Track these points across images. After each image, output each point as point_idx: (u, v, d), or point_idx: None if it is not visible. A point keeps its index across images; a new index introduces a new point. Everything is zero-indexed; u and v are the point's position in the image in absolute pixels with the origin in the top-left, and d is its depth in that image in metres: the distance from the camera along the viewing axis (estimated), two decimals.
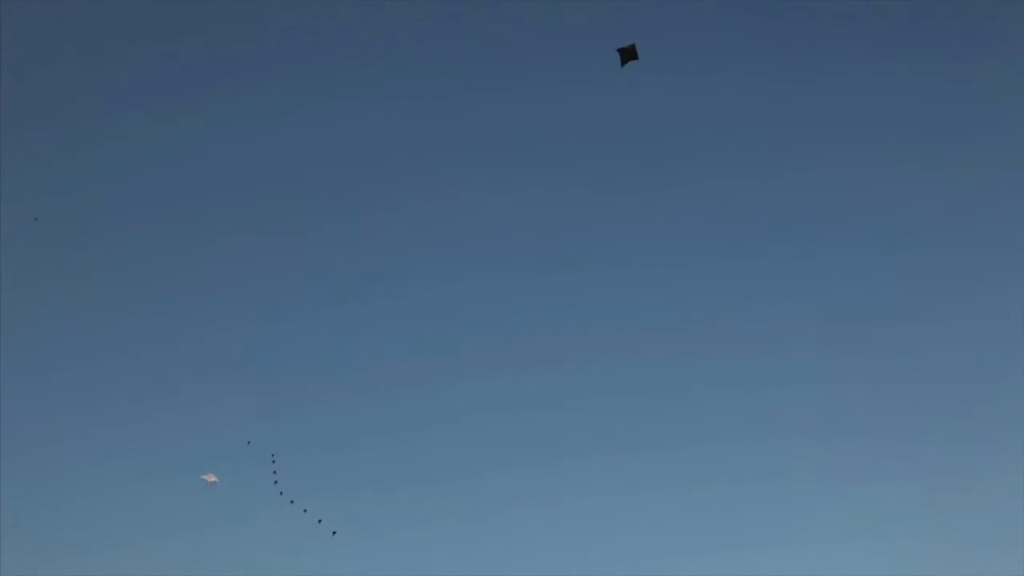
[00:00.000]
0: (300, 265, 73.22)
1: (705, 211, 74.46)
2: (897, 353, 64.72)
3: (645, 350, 68.24)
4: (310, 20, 76.41)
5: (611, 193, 75.22)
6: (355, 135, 77.23)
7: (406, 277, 73.44)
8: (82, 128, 74.08)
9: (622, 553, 55.97)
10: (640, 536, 57.72)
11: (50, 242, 69.04)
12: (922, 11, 73.58)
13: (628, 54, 30.96)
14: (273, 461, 49.94)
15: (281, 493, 48.52)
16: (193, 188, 75.16)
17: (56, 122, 73.31)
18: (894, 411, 62.06)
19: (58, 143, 73.05)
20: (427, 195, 75.42)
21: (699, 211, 74.61)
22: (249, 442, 51.37)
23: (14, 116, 70.10)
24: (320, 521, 47.28)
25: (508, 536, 58.31)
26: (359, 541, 54.77)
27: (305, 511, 47.70)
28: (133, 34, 74.32)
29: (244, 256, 73.47)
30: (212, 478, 49.09)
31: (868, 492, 57.26)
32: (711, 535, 57.27)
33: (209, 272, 72.38)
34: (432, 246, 74.50)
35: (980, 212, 68.48)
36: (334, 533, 47.50)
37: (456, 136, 77.57)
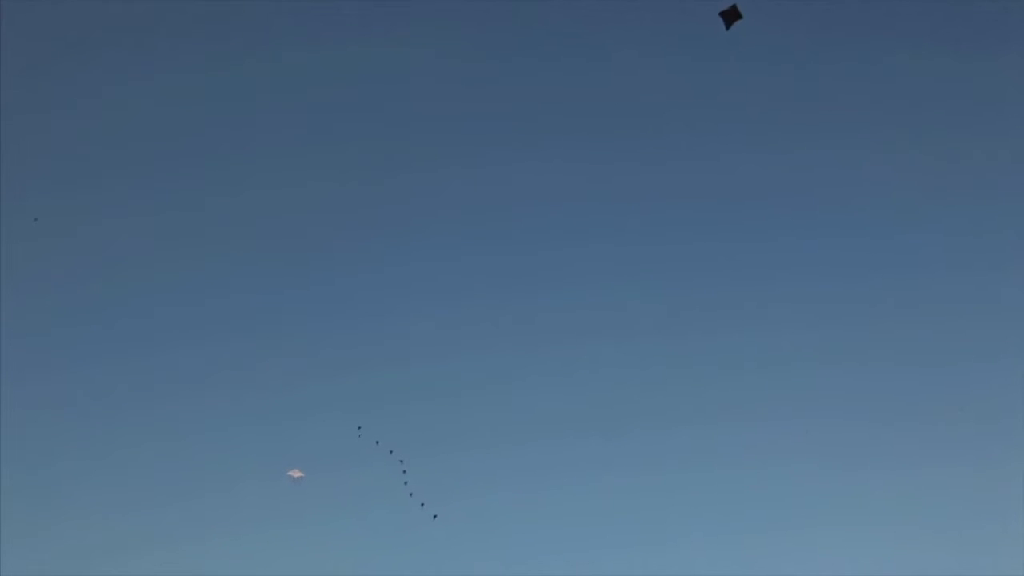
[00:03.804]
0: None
1: (705, 192, 75.29)
2: (893, 339, 65.17)
3: (638, 331, 68.96)
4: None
5: (609, 172, 75.86)
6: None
7: (409, 250, 74.17)
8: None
9: (611, 538, 56.66)
10: (628, 520, 58.20)
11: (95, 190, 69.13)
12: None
13: (732, 15, 30.35)
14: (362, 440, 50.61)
15: (406, 483, 49.33)
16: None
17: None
18: (889, 397, 62.45)
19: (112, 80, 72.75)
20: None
21: (698, 192, 75.54)
22: (359, 427, 51.77)
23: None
24: (423, 505, 48.45)
25: (498, 522, 58.88)
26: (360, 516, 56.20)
27: (423, 506, 48.81)
28: None
29: (254, 217, 74.02)
30: (298, 473, 48.85)
31: (864, 478, 57.50)
32: (702, 520, 57.66)
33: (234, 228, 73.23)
34: (433, 220, 75.17)
35: (977, 199, 69.05)
36: (435, 517, 48.65)
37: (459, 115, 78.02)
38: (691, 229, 74.60)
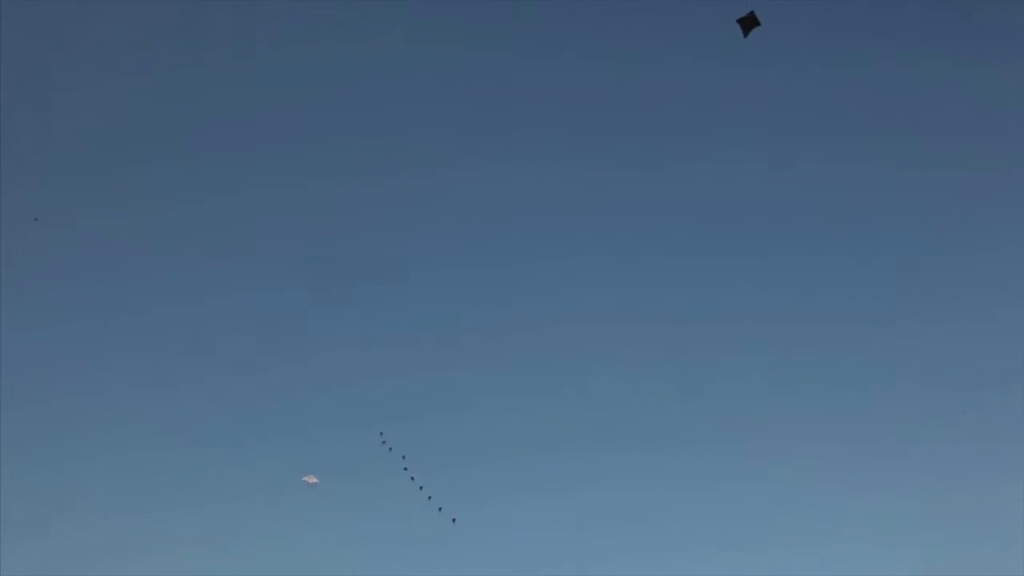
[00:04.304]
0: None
1: (712, 207, 75.11)
2: (899, 355, 64.76)
3: (648, 346, 68.40)
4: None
5: (613, 180, 75.75)
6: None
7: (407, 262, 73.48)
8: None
9: (621, 551, 56.13)
10: (640, 535, 57.58)
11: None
12: (928, 10, 74.33)
13: (750, 22, 30.30)
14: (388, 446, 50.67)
15: (413, 479, 49.49)
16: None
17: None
18: (896, 414, 61.92)
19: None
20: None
21: (705, 206, 75.33)
22: (382, 433, 52.20)
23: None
24: (440, 509, 48.97)
25: (505, 530, 58.15)
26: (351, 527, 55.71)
27: (435, 502, 49.02)
28: None
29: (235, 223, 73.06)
30: (312, 479, 49.48)
31: (869, 495, 57.18)
32: (712, 535, 57.17)
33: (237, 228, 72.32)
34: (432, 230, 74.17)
35: (982, 215, 68.98)
36: (454, 520, 49.08)
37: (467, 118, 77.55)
38: (698, 241, 74.77)
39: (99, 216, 72.29)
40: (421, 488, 49.04)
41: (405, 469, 49.89)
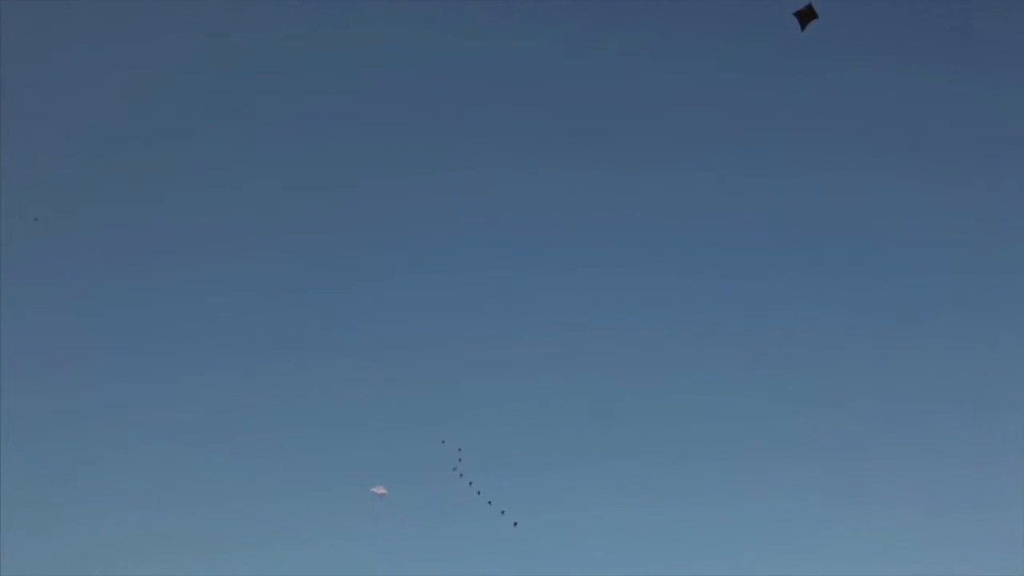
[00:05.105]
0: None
1: (717, 218, 76.93)
2: (903, 372, 66.20)
3: (654, 358, 70.42)
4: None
5: (621, 188, 77.54)
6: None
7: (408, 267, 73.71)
8: None
9: (626, 563, 56.94)
10: (646, 547, 58.73)
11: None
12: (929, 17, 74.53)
13: (807, 15, 29.68)
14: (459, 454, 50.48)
15: (470, 484, 49.51)
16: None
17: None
18: (899, 434, 63.04)
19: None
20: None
21: (710, 217, 77.13)
22: (444, 441, 52.19)
23: None
24: (503, 512, 48.99)
25: (510, 541, 56.92)
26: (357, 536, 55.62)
27: (490, 503, 49.05)
28: None
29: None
30: (382, 490, 49.45)
31: (872, 513, 57.97)
32: (714, 549, 58.12)
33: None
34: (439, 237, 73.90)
35: (988, 231, 69.86)
36: (515, 524, 48.85)
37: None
38: (705, 256, 76.60)
39: (100, 215, 71.95)
40: (479, 493, 49.36)
41: (460, 475, 49.99)
